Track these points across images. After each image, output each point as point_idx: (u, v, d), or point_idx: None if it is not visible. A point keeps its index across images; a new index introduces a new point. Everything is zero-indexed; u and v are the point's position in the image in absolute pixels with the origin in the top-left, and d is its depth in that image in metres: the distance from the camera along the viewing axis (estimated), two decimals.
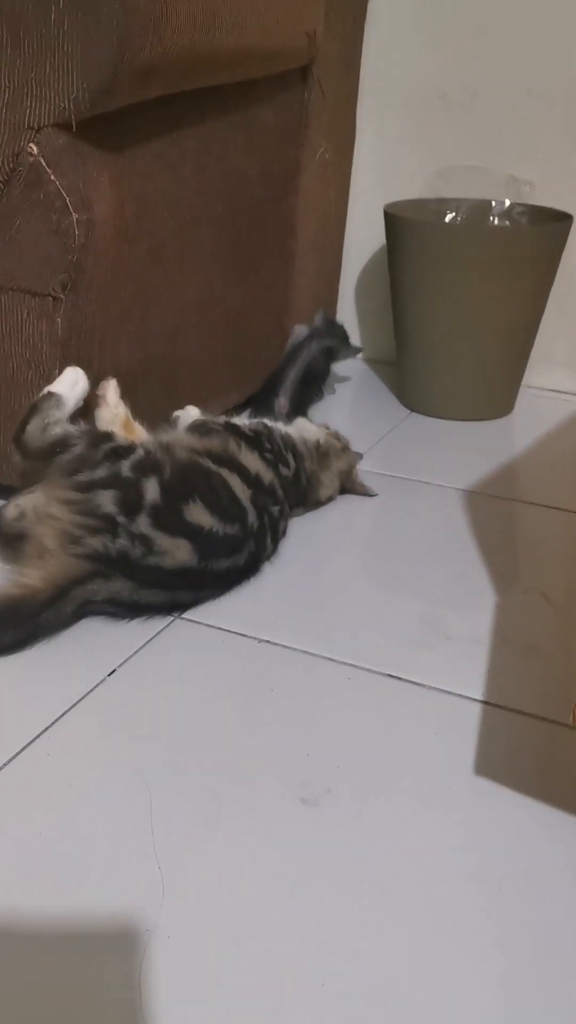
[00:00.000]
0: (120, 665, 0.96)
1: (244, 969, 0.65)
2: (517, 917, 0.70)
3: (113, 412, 1.11)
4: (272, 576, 1.12)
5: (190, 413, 1.26)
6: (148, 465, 1.03)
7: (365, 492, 1.33)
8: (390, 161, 1.75)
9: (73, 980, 0.64)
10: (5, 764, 0.82)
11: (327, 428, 1.34)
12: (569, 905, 0.71)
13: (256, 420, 1.24)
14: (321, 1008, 0.63)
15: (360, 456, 1.36)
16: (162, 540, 0.99)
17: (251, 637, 1.01)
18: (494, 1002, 0.64)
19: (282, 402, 1.49)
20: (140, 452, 1.04)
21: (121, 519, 0.98)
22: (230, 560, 1.06)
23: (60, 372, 1.09)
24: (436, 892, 0.72)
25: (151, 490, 1.01)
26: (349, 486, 1.33)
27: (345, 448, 1.33)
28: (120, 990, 0.63)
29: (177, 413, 1.26)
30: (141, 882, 0.71)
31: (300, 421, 1.34)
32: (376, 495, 1.34)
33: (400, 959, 0.66)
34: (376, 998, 0.63)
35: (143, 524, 0.99)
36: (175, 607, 1.04)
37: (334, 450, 1.30)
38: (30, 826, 0.76)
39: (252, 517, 1.08)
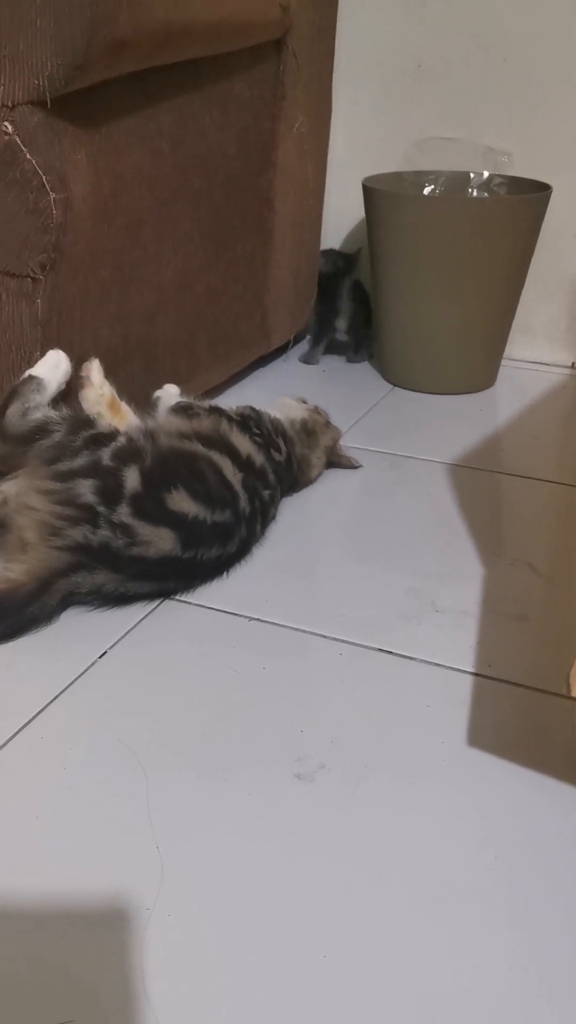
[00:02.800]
0: (111, 647, 0.96)
1: (244, 944, 0.66)
2: (513, 885, 0.71)
3: (98, 393, 1.09)
4: (260, 554, 1.12)
5: (169, 392, 1.25)
6: (129, 453, 1.02)
7: (350, 464, 1.34)
8: (367, 133, 1.74)
9: (74, 960, 0.65)
10: None
11: (305, 403, 1.33)
12: (565, 871, 0.72)
13: (243, 405, 1.23)
14: (322, 980, 0.63)
15: (340, 432, 1.36)
16: (144, 529, 0.98)
17: (241, 616, 1.02)
18: (494, 970, 0.65)
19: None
20: (122, 439, 1.03)
21: (101, 509, 0.97)
22: (221, 549, 1.05)
23: (41, 354, 1.08)
24: (432, 863, 0.72)
25: (132, 479, 0.99)
26: (335, 459, 1.33)
27: (327, 423, 1.33)
28: (121, 968, 0.64)
29: (158, 393, 1.25)
30: (139, 862, 0.71)
31: (282, 400, 1.34)
32: (360, 467, 1.34)
33: (398, 930, 0.67)
34: (375, 969, 0.64)
35: (124, 513, 0.97)
36: (163, 594, 1.04)
37: (319, 426, 1.30)
38: (27, 809, 0.76)
39: (244, 502, 1.07)
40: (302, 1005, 0.62)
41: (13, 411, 1.04)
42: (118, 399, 1.12)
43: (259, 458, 1.13)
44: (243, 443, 1.12)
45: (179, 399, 1.22)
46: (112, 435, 1.03)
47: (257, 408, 1.22)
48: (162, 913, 0.67)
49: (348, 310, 1.74)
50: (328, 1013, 0.61)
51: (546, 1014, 0.62)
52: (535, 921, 0.68)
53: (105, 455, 1.00)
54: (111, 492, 0.98)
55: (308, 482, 1.28)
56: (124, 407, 1.12)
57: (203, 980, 0.63)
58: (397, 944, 0.66)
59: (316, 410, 1.33)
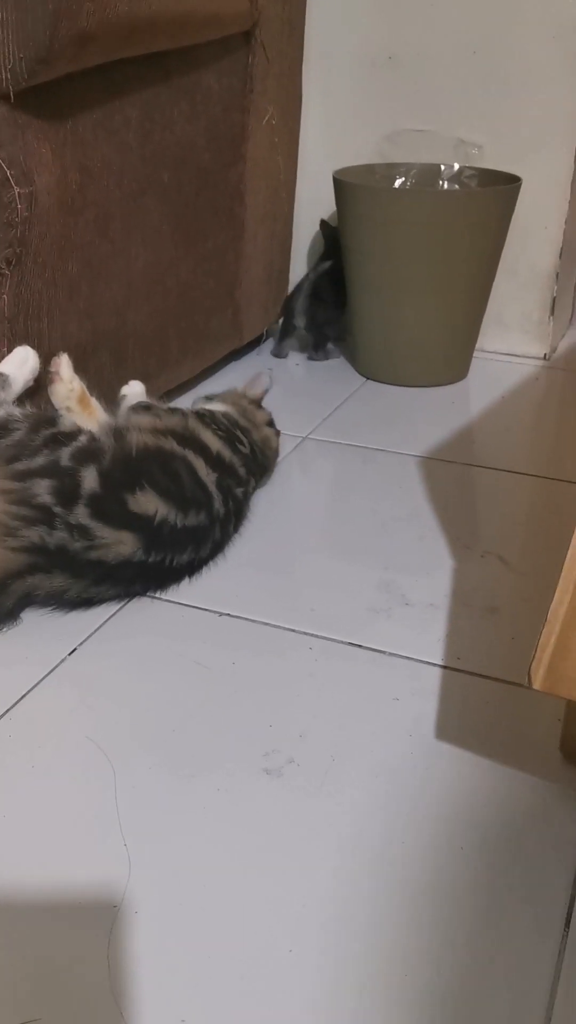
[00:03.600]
0: (81, 643, 0.96)
1: (212, 939, 0.66)
2: (481, 877, 0.71)
3: (68, 388, 1.09)
4: (231, 549, 1.12)
5: (134, 390, 1.24)
6: (89, 453, 1.00)
7: (261, 396, 1.32)
8: (338, 125, 1.74)
9: (40, 957, 0.64)
10: None
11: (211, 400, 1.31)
12: (531, 865, 0.72)
13: (196, 406, 1.22)
14: (288, 974, 0.64)
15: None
16: (103, 532, 0.96)
17: (212, 611, 1.01)
18: (461, 964, 0.65)
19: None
20: (83, 439, 1.01)
21: (58, 509, 0.95)
22: (194, 553, 1.04)
23: (8, 350, 1.07)
24: (400, 857, 0.73)
25: (89, 479, 0.97)
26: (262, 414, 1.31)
27: (242, 395, 1.30)
28: (88, 965, 0.64)
29: (124, 391, 1.24)
30: (107, 859, 0.71)
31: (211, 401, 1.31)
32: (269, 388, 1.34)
33: (367, 925, 0.67)
34: (343, 964, 0.65)
35: (81, 515, 0.95)
36: (130, 596, 1.03)
37: (248, 405, 1.29)
38: None
39: (218, 503, 1.07)
40: (269, 999, 0.62)
41: None
42: (88, 394, 1.11)
43: (227, 453, 1.13)
44: (210, 439, 1.12)
45: (140, 399, 1.21)
46: (73, 434, 1.02)
47: (207, 406, 1.22)
48: (129, 910, 0.67)
49: (303, 307, 1.71)
50: (295, 1007, 0.61)
51: (515, 1006, 0.62)
52: (504, 915, 0.68)
53: (64, 455, 0.99)
54: (68, 493, 0.96)
55: (274, 458, 1.28)
56: (94, 402, 1.11)
57: (171, 976, 0.63)
58: (366, 939, 0.66)
59: (234, 394, 1.30)
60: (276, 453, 1.28)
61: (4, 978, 0.63)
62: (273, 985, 0.63)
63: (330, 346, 1.77)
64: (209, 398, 1.30)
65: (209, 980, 0.63)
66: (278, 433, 1.30)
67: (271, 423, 1.29)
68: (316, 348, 1.76)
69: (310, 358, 1.77)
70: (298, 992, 0.62)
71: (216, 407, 1.24)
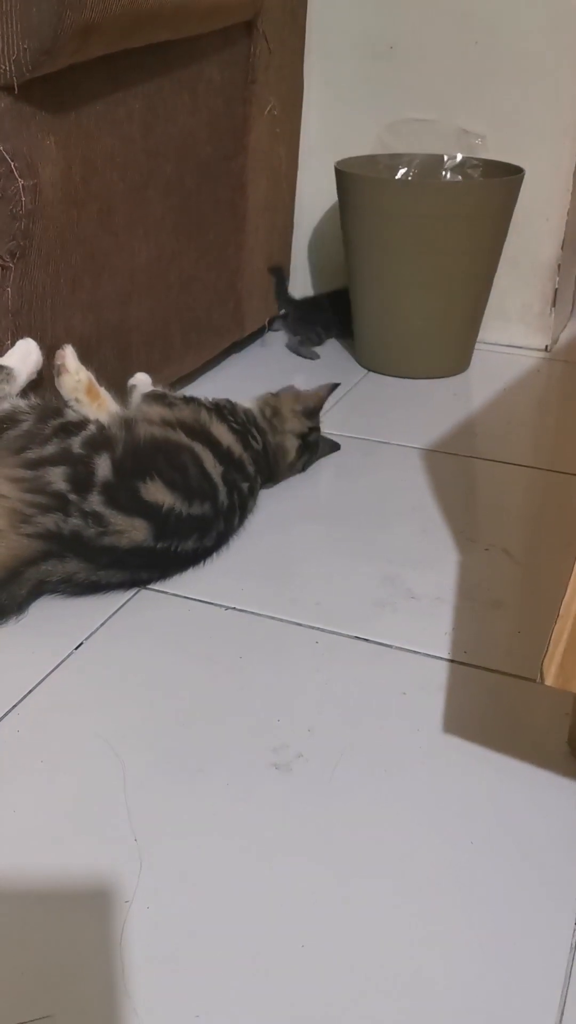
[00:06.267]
0: (87, 638, 0.96)
1: (224, 935, 0.66)
2: (490, 870, 0.71)
3: (75, 379, 1.08)
4: (235, 542, 1.12)
5: (142, 381, 1.24)
6: (100, 441, 1.01)
7: (320, 401, 1.30)
8: (340, 116, 1.73)
9: (53, 954, 0.65)
10: None
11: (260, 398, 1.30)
12: (539, 857, 0.73)
13: (220, 398, 1.21)
14: (301, 969, 0.64)
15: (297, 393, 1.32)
16: (117, 519, 0.97)
17: (217, 605, 1.01)
18: (471, 957, 0.65)
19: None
20: (92, 428, 1.02)
21: (72, 496, 0.96)
22: (198, 542, 1.05)
23: (12, 344, 1.07)
24: (409, 851, 0.73)
25: (103, 467, 0.99)
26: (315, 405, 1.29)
27: (293, 398, 1.28)
28: (101, 961, 0.64)
29: (131, 382, 1.24)
30: (118, 854, 0.71)
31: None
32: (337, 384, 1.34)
33: (378, 918, 0.68)
34: (355, 958, 0.65)
35: (95, 502, 0.96)
36: (136, 584, 1.04)
37: (287, 409, 1.28)
38: (4, 803, 0.76)
39: (223, 495, 1.07)
40: (281, 995, 0.62)
41: None
42: (96, 384, 1.11)
43: (238, 448, 1.13)
44: (223, 433, 1.12)
45: (152, 388, 1.22)
46: (81, 424, 1.03)
47: (232, 400, 1.21)
48: (141, 905, 0.68)
49: (284, 304, 1.74)
50: (307, 1002, 0.62)
51: (527, 999, 0.62)
52: (514, 908, 0.69)
53: (75, 443, 1.00)
54: (82, 480, 0.97)
55: (288, 469, 1.26)
56: (103, 393, 1.11)
57: (183, 972, 0.63)
58: (376, 932, 0.67)
59: (276, 393, 1.29)
60: (290, 466, 1.26)
61: (15, 974, 0.63)
62: (286, 980, 0.63)
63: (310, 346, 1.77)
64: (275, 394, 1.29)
65: (223, 975, 0.63)
66: (305, 448, 1.26)
67: (304, 436, 1.26)
68: (301, 343, 1.75)
69: (292, 350, 1.76)
70: (310, 987, 0.63)
71: (243, 403, 1.23)
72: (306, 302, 1.79)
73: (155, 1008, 0.61)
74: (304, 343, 1.74)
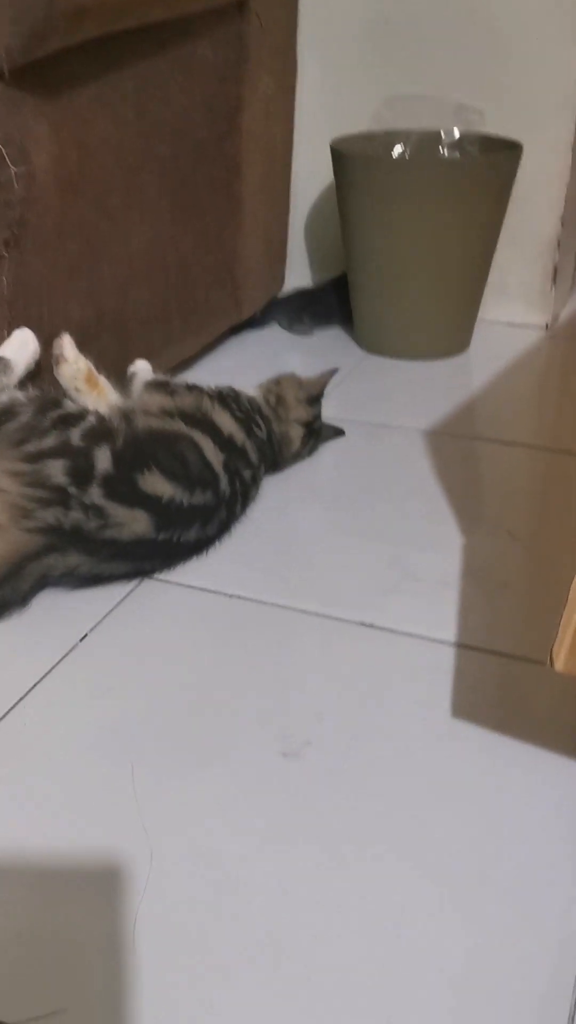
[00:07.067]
0: (92, 629, 0.95)
1: (236, 923, 0.66)
2: (501, 853, 0.71)
3: (74, 368, 1.08)
4: (238, 529, 1.11)
5: (142, 368, 1.23)
6: (99, 433, 1.00)
7: (321, 388, 1.28)
8: (335, 93, 1.71)
9: (66, 947, 0.65)
10: None
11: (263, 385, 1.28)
12: (549, 840, 0.73)
13: (223, 385, 1.20)
14: (313, 955, 0.64)
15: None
16: (117, 511, 0.96)
17: (221, 593, 1.01)
18: (483, 937, 0.65)
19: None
20: (91, 419, 1.01)
21: (73, 490, 0.95)
22: (200, 531, 1.04)
23: (8, 334, 1.06)
24: (420, 835, 0.73)
25: (103, 459, 0.98)
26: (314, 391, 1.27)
27: (296, 385, 1.27)
28: (114, 953, 0.64)
29: (132, 370, 1.23)
30: (128, 845, 0.71)
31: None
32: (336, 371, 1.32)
33: (390, 902, 0.68)
34: (367, 943, 0.65)
35: (96, 495, 0.96)
36: (139, 575, 1.03)
37: (291, 396, 1.27)
38: (13, 795, 0.76)
39: (224, 483, 1.06)
40: (295, 980, 0.62)
41: None
42: (95, 373, 1.10)
43: (240, 436, 1.12)
44: (225, 421, 1.11)
45: (154, 375, 1.21)
46: (81, 415, 1.02)
47: (236, 388, 1.20)
48: (154, 894, 0.68)
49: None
50: (320, 987, 0.62)
51: (542, 977, 0.62)
52: (525, 891, 0.69)
53: (75, 435, 0.99)
54: (82, 473, 0.96)
55: (293, 458, 1.26)
56: (103, 381, 1.10)
57: (196, 962, 0.63)
58: (389, 916, 0.67)
59: (278, 381, 1.28)
60: (295, 455, 1.25)
61: (28, 967, 0.63)
62: (299, 966, 0.63)
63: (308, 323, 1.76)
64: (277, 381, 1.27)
65: (236, 962, 0.63)
66: (310, 435, 1.26)
67: (309, 424, 1.25)
68: (290, 324, 1.75)
69: (284, 328, 1.76)
70: (323, 971, 0.63)
71: (247, 390, 1.22)
72: (295, 296, 1.77)
73: (168, 995, 0.61)
74: (295, 325, 1.74)
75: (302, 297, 1.76)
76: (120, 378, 1.19)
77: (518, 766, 0.79)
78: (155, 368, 1.24)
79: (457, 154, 1.62)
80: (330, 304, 1.75)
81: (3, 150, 0.96)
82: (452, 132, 1.62)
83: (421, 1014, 0.60)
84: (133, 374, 1.22)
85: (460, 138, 1.62)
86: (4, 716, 0.84)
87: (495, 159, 1.53)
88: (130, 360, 1.24)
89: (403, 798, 0.76)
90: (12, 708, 0.85)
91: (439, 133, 1.63)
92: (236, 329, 1.69)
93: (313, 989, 0.62)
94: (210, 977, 0.63)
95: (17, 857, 0.71)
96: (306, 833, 0.73)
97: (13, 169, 0.98)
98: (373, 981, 0.62)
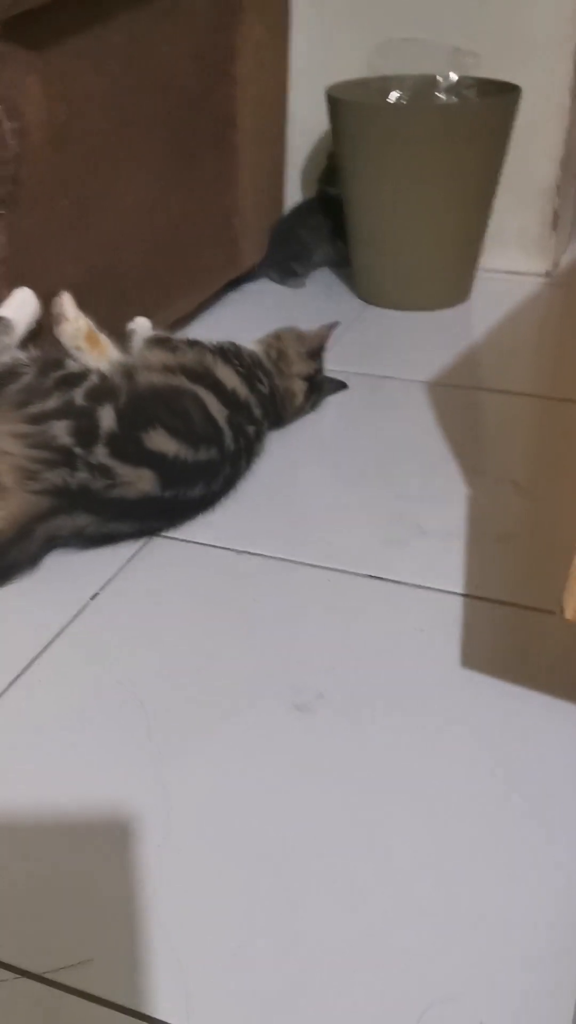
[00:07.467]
0: (102, 588, 0.96)
1: (254, 875, 0.67)
2: (514, 803, 0.73)
3: (75, 326, 1.07)
4: (244, 485, 1.11)
5: (142, 325, 1.22)
6: (103, 392, 1.00)
7: (321, 342, 1.28)
8: (329, 39, 1.67)
9: (88, 899, 0.66)
10: None
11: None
12: (560, 785, 0.74)
13: (224, 340, 1.19)
14: (331, 905, 0.65)
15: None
16: (123, 470, 0.96)
17: (229, 549, 1.01)
18: (496, 885, 0.67)
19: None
20: (94, 378, 1.01)
21: (78, 450, 0.95)
22: (205, 487, 1.04)
23: (7, 294, 1.05)
24: (433, 783, 0.74)
25: (107, 418, 0.97)
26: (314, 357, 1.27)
27: (296, 339, 1.26)
28: (135, 904, 0.65)
29: (131, 326, 1.22)
30: (146, 799, 0.72)
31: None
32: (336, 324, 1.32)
33: (406, 851, 0.69)
34: (384, 892, 0.66)
35: (101, 454, 0.96)
36: (146, 533, 1.03)
37: (292, 351, 1.26)
38: (32, 752, 0.77)
39: (229, 439, 1.06)
40: (313, 929, 0.64)
41: None
42: (96, 331, 1.09)
43: (244, 391, 1.11)
44: (228, 376, 1.10)
45: (153, 331, 1.20)
46: (83, 375, 1.01)
47: (236, 343, 1.19)
48: (173, 848, 0.69)
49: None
50: (337, 936, 0.63)
51: (553, 926, 0.64)
52: (538, 840, 0.70)
53: (78, 395, 0.98)
54: (87, 432, 0.96)
55: (296, 413, 1.25)
56: (104, 339, 1.09)
57: (215, 912, 0.65)
58: (404, 865, 0.68)
59: (278, 335, 1.27)
60: (298, 409, 1.25)
61: (53, 920, 0.65)
62: (317, 915, 0.64)
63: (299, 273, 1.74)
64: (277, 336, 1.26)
65: (255, 913, 0.65)
66: (312, 390, 1.25)
67: (311, 378, 1.24)
68: (282, 278, 1.73)
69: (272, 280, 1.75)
70: (340, 921, 0.64)
71: (248, 345, 1.21)
72: (279, 236, 1.73)
73: (191, 948, 0.62)
74: (287, 279, 1.72)
75: (281, 249, 1.72)
76: (119, 336, 1.18)
77: (528, 714, 0.80)
78: (154, 325, 1.24)
79: (454, 99, 1.59)
80: (306, 244, 1.72)
81: None
82: (448, 77, 1.59)
83: (437, 958, 0.62)
84: (132, 331, 1.21)
85: (456, 82, 1.59)
86: (19, 676, 0.84)
87: (493, 103, 1.51)
88: (128, 318, 1.23)
89: (418, 748, 0.77)
90: (27, 668, 0.85)
91: (435, 78, 1.60)
92: (234, 283, 1.68)
93: (329, 937, 0.63)
94: (230, 924, 0.64)
95: (36, 813, 0.72)
96: (322, 784, 0.74)
97: (8, 124, 0.96)
98: (388, 927, 0.64)
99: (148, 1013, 0.59)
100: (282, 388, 1.21)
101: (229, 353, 1.15)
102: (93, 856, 0.69)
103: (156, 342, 1.15)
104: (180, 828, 0.70)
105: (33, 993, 0.60)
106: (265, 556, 1.00)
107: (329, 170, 1.72)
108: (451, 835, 0.70)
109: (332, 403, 1.32)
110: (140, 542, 1.02)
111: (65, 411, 0.97)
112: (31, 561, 0.96)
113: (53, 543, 0.98)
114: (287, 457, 1.20)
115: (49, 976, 0.61)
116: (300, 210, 1.75)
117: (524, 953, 0.62)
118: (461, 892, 0.66)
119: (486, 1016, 0.59)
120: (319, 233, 1.72)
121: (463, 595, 0.94)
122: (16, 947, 0.63)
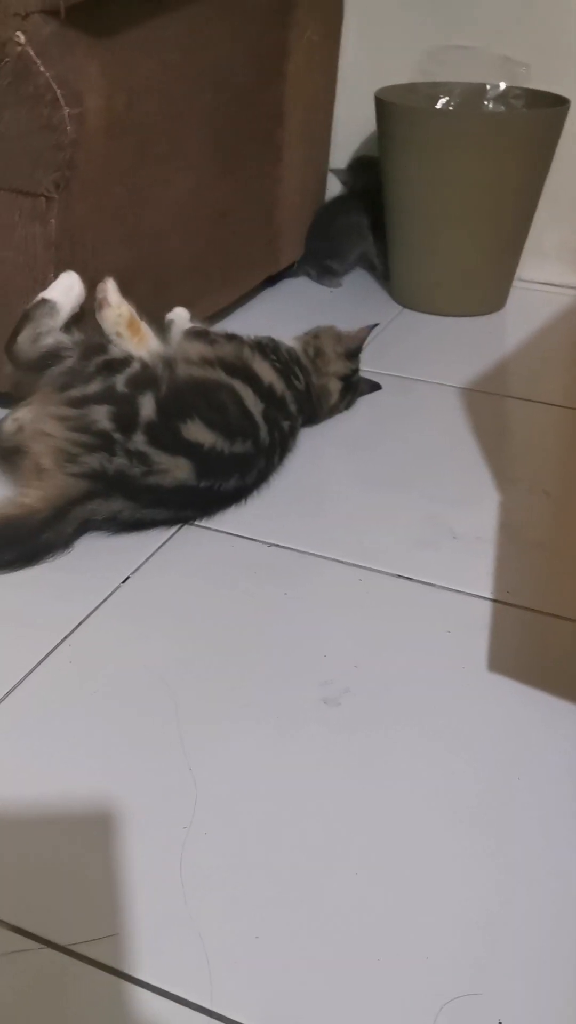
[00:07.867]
0: (133, 572, 0.97)
1: (278, 862, 0.68)
2: (536, 807, 0.73)
3: (117, 312, 1.08)
4: (276, 480, 1.12)
5: (181, 316, 1.23)
6: (144, 380, 1.01)
7: (359, 342, 1.28)
8: (380, 43, 1.68)
9: (115, 878, 0.67)
10: (27, 675, 0.83)
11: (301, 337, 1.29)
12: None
13: (262, 335, 1.20)
14: (353, 894, 0.66)
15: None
16: (161, 458, 0.97)
17: (260, 541, 1.02)
18: (517, 889, 0.67)
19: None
20: (136, 366, 1.02)
21: (118, 436, 0.96)
22: (240, 480, 1.05)
23: (55, 277, 1.06)
24: (457, 786, 0.75)
25: (147, 406, 0.98)
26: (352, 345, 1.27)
27: (334, 339, 1.27)
28: (161, 885, 0.66)
29: (170, 316, 1.23)
30: (174, 783, 0.73)
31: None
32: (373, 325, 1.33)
33: (428, 848, 0.70)
34: (407, 886, 0.67)
35: (139, 441, 0.97)
36: (179, 521, 1.04)
37: (329, 349, 1.27)
38: (57, 733, 0.78)
39: (264, 433, 1.06)
40: (336, 918, 0.64)
41: (25, 337, 1.03)
42: (137, 318, 1.10)
43: (280, 386, 1.12)
44: (265, 370, 1.11)
45: (192, 324, 1.21)
46: (126, 361, 1.02)
47: (275, 338, 1.20)
48: (198, 831, 0.70)
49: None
50: (360, 925, 0.64)
51: (564, 916, 0.64)
52: (561, 844, 0.70)
53: (119, 381, 0.99)
54: (126, 419, 0.97)
55: (330, 411, 1.26)
56: (144, 327, 1.10)
57: (240, 896, 0.66)
58: (427, 862, 0.69)
59: (317, 334, 1.28)
60: (332, 408, 1.26)
61: (80, 895, 0.66)
62: (340, 904, 0.65)
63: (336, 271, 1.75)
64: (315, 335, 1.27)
65: (279, 899, 0.65)
66: (347, 389, 1.26)
67: (347, 378, 1.25)
68: (320, 275, 1.74)
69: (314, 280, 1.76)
70: (363, 910, 0.65)
71: (286, 341, 1.22)
72: (316, 229, 1.73)
73: (216, 930, 0.63)
74: (323, 277, 1.73)
75: (319, 250, 1.73)
76: (157, 325, 1.19)
77: (552, 720, 0.81)
78: (192, 316, 1.25)
79: (502, 108, 1.60)
80: (343, 239, 1.72)
81: (57, 91, 0.96)
82: (497, 85, 1.60)
83: (458, 954, 0.63)
84: (171, 321, 1.22)
85: (505, 91, 1.60)
86: (49, 654, 0.85)
87: (540, 114, 1.51)
88: (168, 307, 1.24)
89: (442, 748, 0.78)
90: (57, 646, 0.86)
91: (484, 86, 1.60)
92: (272, 279, 1.69)
93: (349, 928, 0.64)
94: (254, 908, 0.65)
95: (63, 792, 0.73)
96: (347, 776, 0.75)
97: (66, 110, 0.97)
98: (409, 920, 0.64)
99: (169, 990, 0.60)
100: (318, 386, 1.22)
101: (267, 348, 1.16)
102: (122, 835, 0.70)
103: (195, 335, 1.16)
104: (205, 811, 0.71)
105: (57, 963, 0.61)
106: (296, 551, 1.01)
107: (358, 165, 1.75)
108: (472, 834, 0.71)
109: (365, 403, 1.32)
110: (172, 529, 1.03)
111: (106, 396, 0.98)
112: (65, 543, 0.97)
113: (87, 526, 0.99)
114: (319, 454, 1.20)
115: (74, 948, 0.62)
116: (338, 204, 1.75)
117: (545, 951, 0.63)
118: (484, 889, 0.67)
119: (505, 1014, 0.59)
120: (358, 230, 1.72)
121: (492, 600, 0.95)
122: (43, 919, 0.64)
